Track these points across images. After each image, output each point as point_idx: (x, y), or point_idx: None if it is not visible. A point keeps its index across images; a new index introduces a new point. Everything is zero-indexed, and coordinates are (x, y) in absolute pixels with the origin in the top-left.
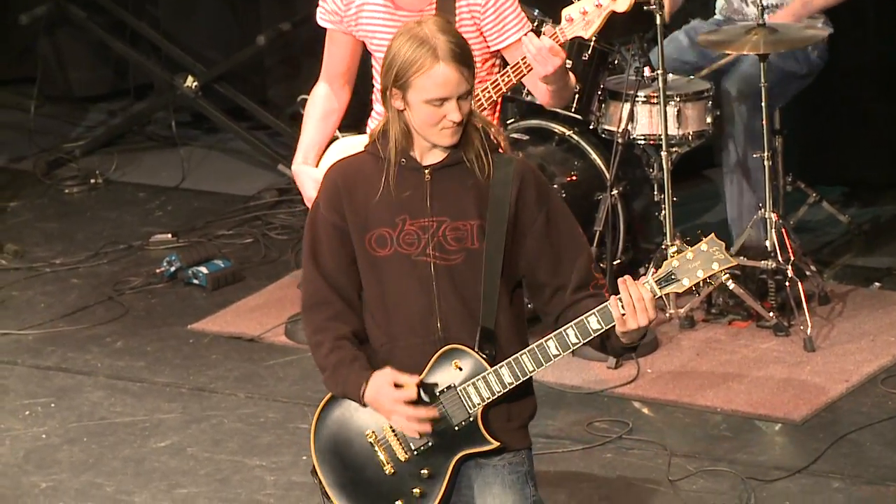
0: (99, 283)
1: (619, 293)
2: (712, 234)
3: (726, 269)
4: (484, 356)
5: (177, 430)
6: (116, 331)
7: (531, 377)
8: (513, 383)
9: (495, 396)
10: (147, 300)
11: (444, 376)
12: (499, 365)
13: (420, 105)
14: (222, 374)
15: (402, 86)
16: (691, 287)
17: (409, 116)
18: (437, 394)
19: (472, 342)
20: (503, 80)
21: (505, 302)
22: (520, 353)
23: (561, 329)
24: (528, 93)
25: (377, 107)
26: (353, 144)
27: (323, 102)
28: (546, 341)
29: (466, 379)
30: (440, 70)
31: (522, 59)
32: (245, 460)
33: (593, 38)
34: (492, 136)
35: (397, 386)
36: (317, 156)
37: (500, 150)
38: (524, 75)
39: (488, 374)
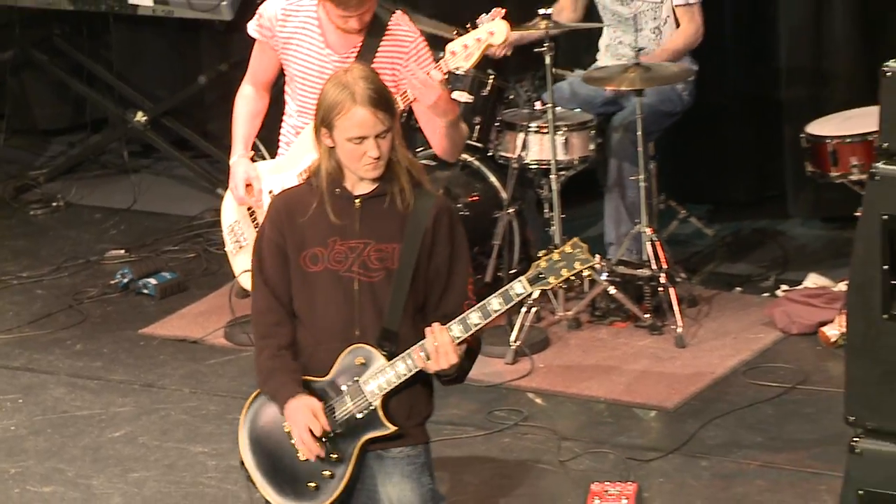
0: (61, 294)
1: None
2: (575, 238)
3: (587, 267)
4: (384, 353)
5: (130, 422)
6: (76, 335)
7: (430, 378)
8: (406, 374)
9: (392, 386)
10: (103, 308)
11: (349, 371)
12: (395, 359)
13: (343, 142)
14: (169, 372)
15: (328, 126)
16: (557, 284)
17: (339, 152)
18: (342, 387)
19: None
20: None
21: (410, 310)
22: (411, 349)
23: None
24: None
25: (288, 121)
26: (268, 168)
27: (251, 102)
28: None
29: (368, 372)
30: (357, 112)
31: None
32: (190, 448)
33: (490, 74)
34: (414, 174)
35: (314, 416)
36: (249, 149)
37: (422, 186)
38: (410, 103)
39: (386, 367)
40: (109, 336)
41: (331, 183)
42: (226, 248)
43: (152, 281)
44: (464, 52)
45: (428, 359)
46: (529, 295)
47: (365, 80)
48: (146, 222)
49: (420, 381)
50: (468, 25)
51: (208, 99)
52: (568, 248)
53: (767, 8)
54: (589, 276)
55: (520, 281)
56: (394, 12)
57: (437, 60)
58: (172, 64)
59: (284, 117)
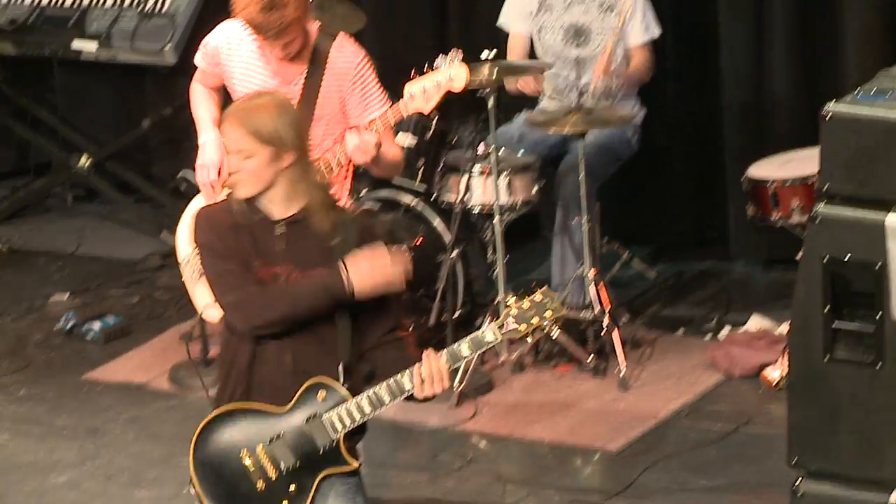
0: (4, 339)
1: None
2: (546, 287)
3: (557, 317)
4: (346, 388)
5: (74, 467)
6: (20, 380)
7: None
8: (371, 413)
9: (356, 424)
10: (47, 353)
11: (310, 406)
12: (359, 396)
13: None
14: (113, 417)
15: None
16: (527, 333)
17: None
18: (305, 421)
19: (328, 374)
20: (341, 154)
21: (357, 340)
22: (377, 386)
23: (395, 378)
24: None
25: None
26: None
27: (205, 91)
28: (391, 381)
29: (330, 408)
30: (224, 124)
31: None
32: (134, 493)
33: (434, 117)
34: (329, 198)
35: None
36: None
37: (342, 209)
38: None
39: (350, 404)
40: (53, 381)
41: (249, 205)
42: (184, 278)
43: (96, 325)
44: (423, 95)
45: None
46: (499, 342)
47: (252, 98)
48: (90, 266)
49: None
50: (426, 67)
51: (153, 142)
52: (538, 297)
53: (709, 49)
54: (557, 325)
55: (490, 329)
56: (335, 36)
57: (394, 103)
58: (116, 108)
59: None
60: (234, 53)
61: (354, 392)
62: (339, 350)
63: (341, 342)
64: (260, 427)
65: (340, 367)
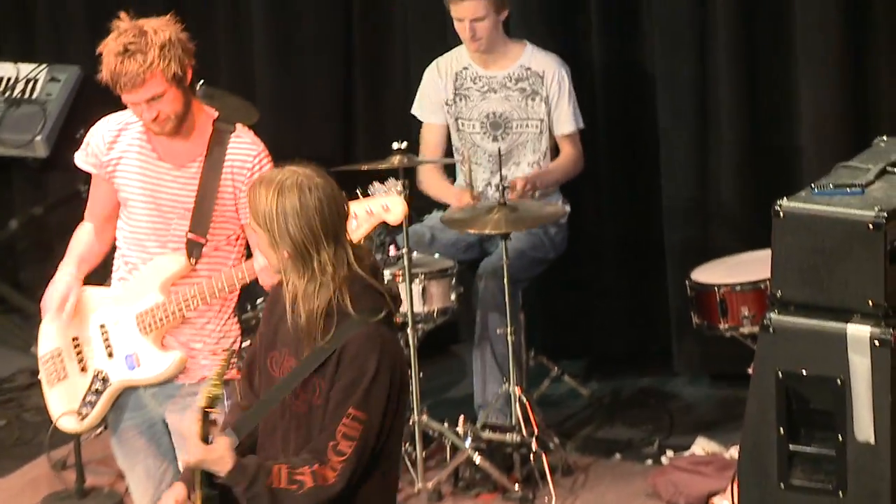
0: None
1: None
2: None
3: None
4: None
5: None
6: None
7: None
8: None
9: None
10: None
11: None
12: None
13: None
14: None
15: None
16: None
17: None
18: None
19: None
20: (237, 275)
21: None
22: None
23: None
24: None
25: (120, 252)
26: (104, 296)
27: (90, 235)
28: None
29: None
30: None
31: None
32: None
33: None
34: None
35: None
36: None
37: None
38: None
39: None
40: None
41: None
42: (39, 377)
43: None
44: (352, 222)
45: None
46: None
47: (272, 175)
48: None
49: None
50: (358, 191)
51: (20, 245)
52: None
53: (646, 141)
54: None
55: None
56: (235, 127)
57: None
58: None
59: (116, 251)
60: (119, 144)
61: None
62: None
63: None
64: None
65: None
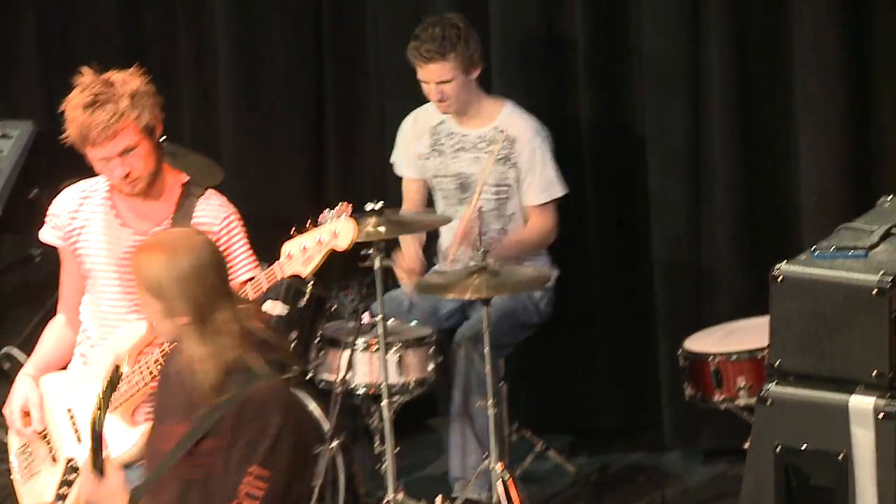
0: None
1: None
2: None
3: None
4: None
5: None
6: None
7: None
8: None
9: None
10: None
11: None
12: None
13: None
14: None
15: None
16: None
17: None
18: None
19: None
20: None
21: None
22: None
23: None
24: None
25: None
26: (64, 382)
27: (62, 328)
28: None
29: None
30: None
31: None
32: None
33: (309, 281)
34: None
35: None
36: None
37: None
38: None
39: None
40: None
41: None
42: (12, 476)
43: None
44: (302, 255)
45: None
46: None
47: (160, 238)
48: None
49: None
50: (308, 223)
51: None
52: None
53: (636, 204)
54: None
55: None
56: (204, 190)
57: (270, 264)
58: None
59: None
60: (82, 212)
61: None
62: None
63: None
64: None
65: None
